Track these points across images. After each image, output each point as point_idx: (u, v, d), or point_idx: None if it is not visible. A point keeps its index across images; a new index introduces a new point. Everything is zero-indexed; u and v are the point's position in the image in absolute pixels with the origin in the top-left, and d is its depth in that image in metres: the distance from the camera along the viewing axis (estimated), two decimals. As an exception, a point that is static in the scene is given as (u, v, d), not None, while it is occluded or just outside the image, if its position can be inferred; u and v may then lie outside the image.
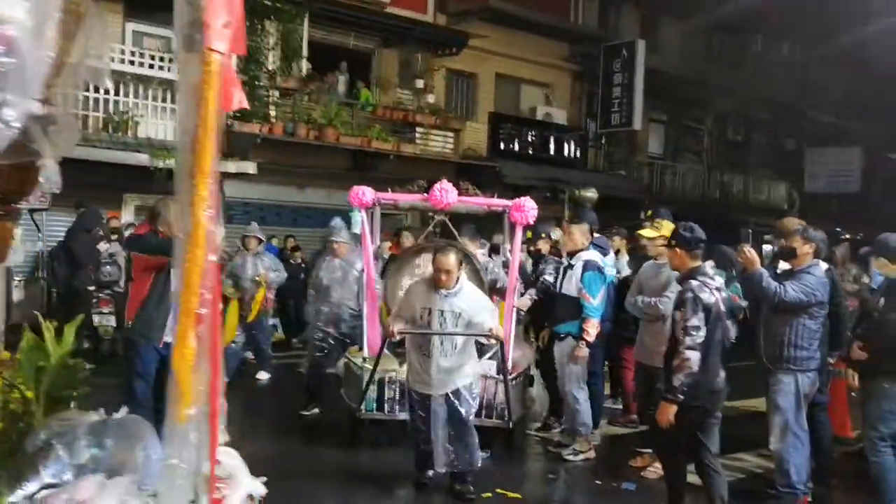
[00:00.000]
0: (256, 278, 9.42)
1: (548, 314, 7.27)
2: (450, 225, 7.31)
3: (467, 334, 5.58)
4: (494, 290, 7.30)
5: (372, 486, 6.08)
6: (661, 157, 23.06)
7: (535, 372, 6.90)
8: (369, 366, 6.53)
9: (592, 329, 6.61)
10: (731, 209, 22.37)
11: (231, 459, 2.49)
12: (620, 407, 8.34)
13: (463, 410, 5.59)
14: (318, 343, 7.92)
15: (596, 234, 7.60)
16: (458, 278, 5.51)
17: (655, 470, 6.25)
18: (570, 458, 6.81)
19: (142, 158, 11.82)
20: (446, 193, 6.89)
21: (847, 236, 9.20)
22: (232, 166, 13.13)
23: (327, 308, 7.87)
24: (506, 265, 7.46)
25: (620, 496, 6.07)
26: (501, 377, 6.41)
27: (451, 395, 5.56)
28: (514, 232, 7.14)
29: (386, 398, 6.68)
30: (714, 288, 5.03)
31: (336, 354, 7.86)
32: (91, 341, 9.92)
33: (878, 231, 8.75)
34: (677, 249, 5.24)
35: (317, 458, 6.77)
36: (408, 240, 9.55)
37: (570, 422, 6.99)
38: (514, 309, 7.16)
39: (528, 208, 6.91)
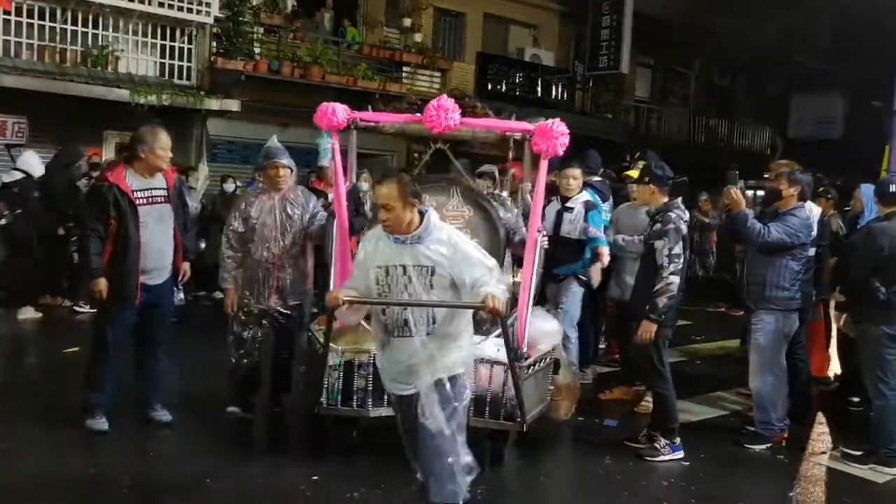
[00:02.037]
0: None
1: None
2: (450, 155, 5.75)
3: (441, 305, 3.76)
4: (511, 245, 5.70)
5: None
6: (648, 101, 22.98)
7: (563, 354, 5.63)
8: (343, 345, 4.94)
9: (606, 256, 6.78)
10: (715, 154, 22.40)
11: None
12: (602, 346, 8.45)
13: (439, 417, 3.74)
14: (243, 323, 5.76)
15: (596, 178, 7.55)
16: (423, 214, 3.78)
17: (648, 404, 6.40)
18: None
19: (122, 94, 11.63)
20: (446, 112, 5.33)
21: (826, 182, 9.28)
22: (215, 104, 12.98)
23: (263, 270, 5.66)
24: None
25: (602, 433, 6.17)
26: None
27: (425, 390, 3.80)
28: (537, 166, 5.41)
29: (355, 388, 4.90)
30: (684, 221, 5.54)
31: (285, 338, 5.80)
32: (70, 280, 9.84)
33: (859, 177, 8.84)
34: (651, 185, 5.66)
35: (249, 477, 4.88)
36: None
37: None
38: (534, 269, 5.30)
39: (556, 133, 5.22)
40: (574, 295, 6.93)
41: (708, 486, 5.21)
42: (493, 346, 4.93)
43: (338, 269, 5.27)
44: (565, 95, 19.42)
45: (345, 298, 3.76)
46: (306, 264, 5.89)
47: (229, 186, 11.62)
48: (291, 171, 5.78)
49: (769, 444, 5.89)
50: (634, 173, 6.88)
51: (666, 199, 5.59)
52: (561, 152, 5.29)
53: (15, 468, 4.81)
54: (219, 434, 5.59)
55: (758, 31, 22.55)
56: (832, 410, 7.00)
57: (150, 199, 5.41)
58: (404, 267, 3.76)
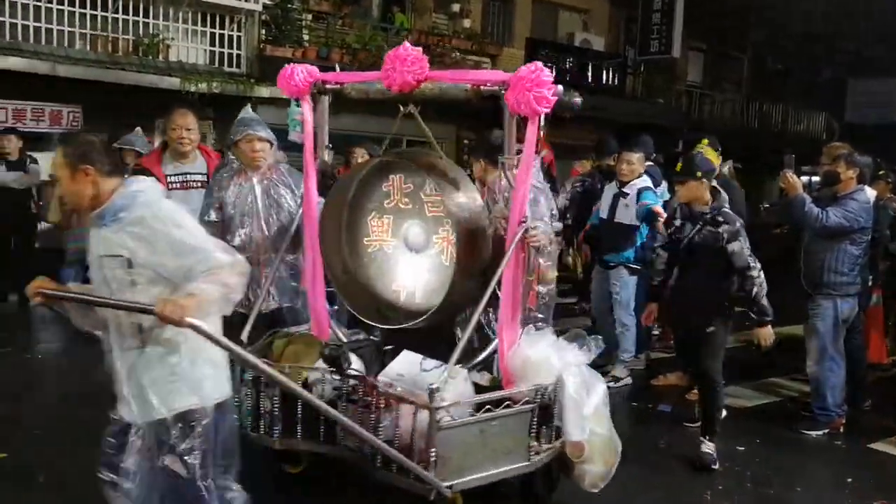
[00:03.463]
0: None
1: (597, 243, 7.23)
2: (420, 122, 4.26)
3: (103, 303, 2.89)
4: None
5: None
6: (700, 86, 22.63)
7: (598, 397, 4.01)
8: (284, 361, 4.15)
9: (663, 213, 6.27)
10: (769, 139, 22.00)
11: None
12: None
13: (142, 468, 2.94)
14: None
15: (649, 163, 7.34)
16: (122, 183, 2.96)
17: (667, 379, 6.34)
18: (610, 384, 6.82)
19: (173, 82, 11.75)
20: (403, 65, 4.04)
21: (884, 166, 9.06)
22: (265, 91, 13.02)
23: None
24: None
25: (656, 418, 6.11)
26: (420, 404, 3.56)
27: (152, 429, 2.93)
28: (522, 131, 3.89)
29: (262, 411, 4.00)
30: None
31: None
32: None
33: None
34: (704, 181, 5.04)
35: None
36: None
37: (613, 347, 7.04)
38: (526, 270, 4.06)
39: (535, 82, 3.67)
40: (626, 283, 6.85)
41: (763, 471, 5.12)
42: (457, 380, 3.79)
43: (309, 261, 4.51)
44: (616, 81, 19.17)
45: (37, 290, 2.92)
46: (298, 258, 4.86)
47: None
48: (271, 144, 4.92)
49: (826, 430, 5.84)
50: None
51: (707, 194, 5.07)
52: (541, 109, 3.72)
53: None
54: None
55: (813, 13, 22.08)
56: (890, 397, 6.89)
57: (185, 185, 5.26)
58: (100, 258, 2.94)
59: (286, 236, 4.65)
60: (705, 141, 7.10)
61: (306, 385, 3.87)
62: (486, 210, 4.19)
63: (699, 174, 5.02)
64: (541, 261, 4.30)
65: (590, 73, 18.50)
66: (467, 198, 4.14)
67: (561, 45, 18.85)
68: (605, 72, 18.82)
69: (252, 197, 4.80)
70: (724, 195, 5.25)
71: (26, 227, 9.35)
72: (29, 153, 9.55)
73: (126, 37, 11.98)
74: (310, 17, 14.45)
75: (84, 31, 11.59)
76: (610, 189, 7.01)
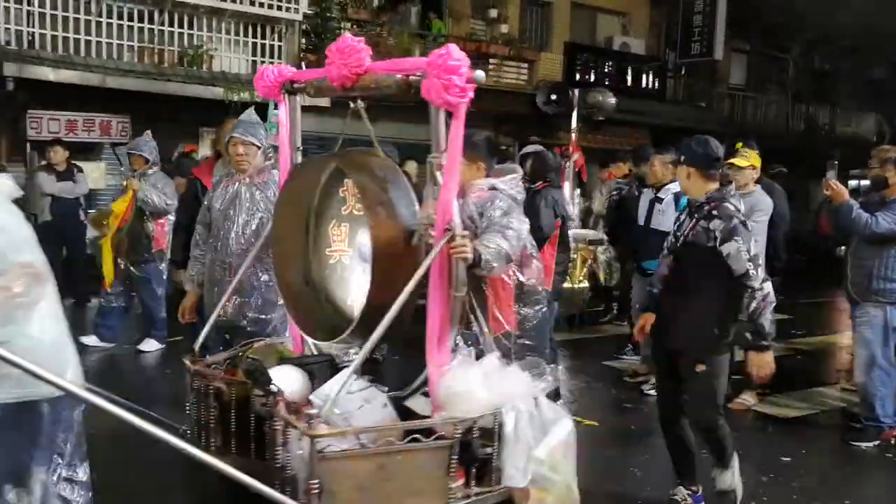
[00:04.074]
0: (124, 183, 7.78)
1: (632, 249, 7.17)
2: (366, 120, 3.95)
3: None
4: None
5: None
6: (744, 88, 22.29)
7: (513, 431, 3.34)
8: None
9: None
10: (816, 142, 21.62)
11: None
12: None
13: None
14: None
15: None
16: None
17: (742, 402, 6.29)
18: (652, 392, 6.78)
19: (217, 92, 11.92)
20: (341, 58, 3.76)
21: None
22: (305, 99, 13.17)
23: (220, 270, 4.68)
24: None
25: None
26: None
27: None
28: (448, 125, 3.45)
29: (203, 421, 3.83)
30: (742, 213, 4.24)
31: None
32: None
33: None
34: (689, 169, 4.26)
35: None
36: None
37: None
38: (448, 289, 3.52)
39: (442, 68, 3.35)
40: None
41: (811, 483, 5.03)
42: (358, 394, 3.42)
43: None
44: (656, 84, 18.99)
45: None
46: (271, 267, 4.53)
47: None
48: (258, 148, 4.70)
49: (877, 442, 5.71)
50: (742, 161, 6.53)
51: (713, 186, 4.23)
52: (451, 99, 3.34)
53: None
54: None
55: (860, 9, 21.70)
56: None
57: None
58: None
59: (258, 243, 4.42)
60: (740, 144, 7.03)
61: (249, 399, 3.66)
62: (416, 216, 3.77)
63: (682, 159, 4.33)
64: (521, 278, 3.97)
65: (629, 77, 18.37)
66: (393, 200, 3.69)
67: (600, 48, 18.74)
68: (644, 75, 18.67)
69: (236, 201, 4.71)
70: (731, 189, 4.50)
71: (76, 236, 9.62)
72: (75, 163, 9.81)
73: (172, 48, 12.20)
74: (349, 25, 14.56)
75: (132, 43, 11.83)
76: (646, 195, 6.95)
